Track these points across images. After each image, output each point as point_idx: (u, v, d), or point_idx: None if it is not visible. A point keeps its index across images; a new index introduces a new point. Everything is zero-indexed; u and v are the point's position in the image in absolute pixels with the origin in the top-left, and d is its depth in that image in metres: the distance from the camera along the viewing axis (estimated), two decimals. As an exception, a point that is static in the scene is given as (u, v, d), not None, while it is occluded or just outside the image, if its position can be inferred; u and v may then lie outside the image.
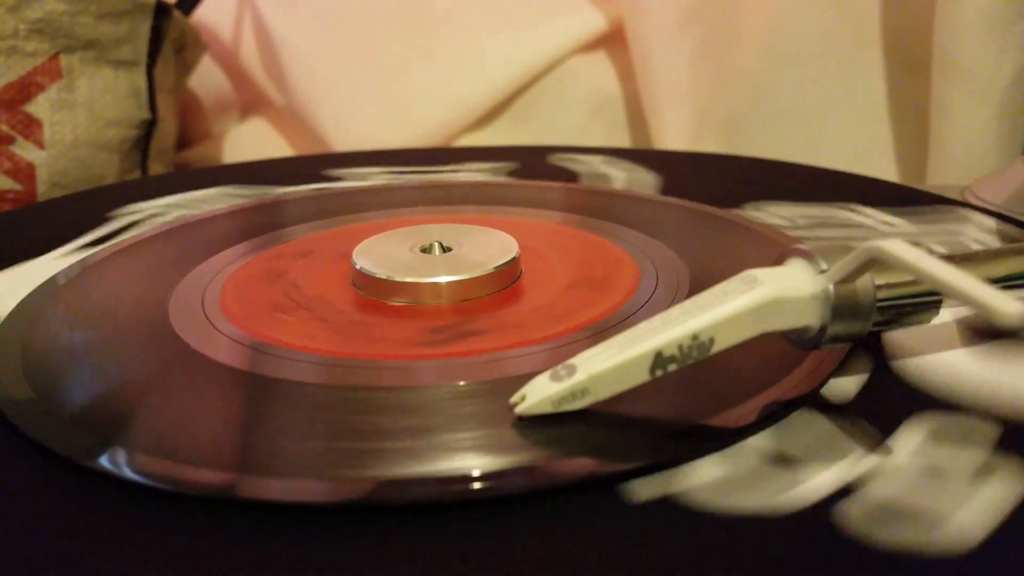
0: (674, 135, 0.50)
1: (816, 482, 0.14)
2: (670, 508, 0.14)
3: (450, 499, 0.14)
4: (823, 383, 0.17)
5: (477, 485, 0.14)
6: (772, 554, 0.13)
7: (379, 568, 0.13)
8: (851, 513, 0.13)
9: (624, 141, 0.54)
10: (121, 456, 0.15)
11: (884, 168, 0.48)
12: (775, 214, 0.29)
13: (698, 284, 0.22)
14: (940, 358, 0.18)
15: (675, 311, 0.15)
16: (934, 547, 0.13)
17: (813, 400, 0.17)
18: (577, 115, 0.53)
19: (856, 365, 0.18)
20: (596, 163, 0.37)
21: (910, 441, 0.15)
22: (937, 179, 0.43)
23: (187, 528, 0.14)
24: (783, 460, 0.15)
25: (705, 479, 0.14)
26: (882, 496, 0.14)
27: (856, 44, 0.47)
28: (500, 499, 0.14)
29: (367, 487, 0.14)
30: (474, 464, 0.15)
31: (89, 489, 0.15)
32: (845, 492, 0.14)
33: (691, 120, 0.50)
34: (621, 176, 0.35)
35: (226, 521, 0.14)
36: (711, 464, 0.15)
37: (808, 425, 0.16)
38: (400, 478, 0.14)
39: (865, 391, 0.17)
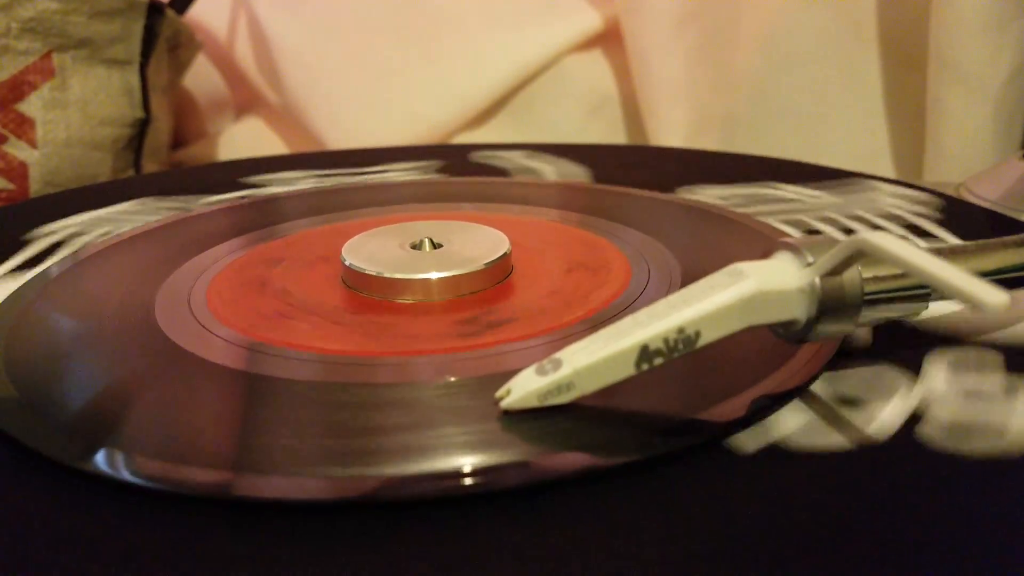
0: (671, 134, 0.50)
1: (888, 414, 0.16)
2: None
3: (447, 495, 0.14)
4: (816, 377, 0.17)
5: (471, 481, 0.14)
6: (874, 485, 0.14)
7: (377, 565, 0.13)
8: (931, 435, 0.15)
9: (621, 139, 0.54)
10: (114, 457, 0.15)
11: (881, 166, 0.48)
12: (711, 195, 0.31)
13: (690, 279, 0.22)
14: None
15: (661, 305, 0.15)
16: (1013, 451, 0.15)
17: (840, 351, 0.18)
18: (574, 113, 0.53)
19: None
20: (518, 158, 0.37)
21: (939, 373, 0.18)
22: (934, 176, 0.43)
23: (182, 529, 0.13)
24: (850, 402, 0.17)
25: (793, 426, 0.16)
26: (946, 417, 0.16)
27: (853, 43, 0.47)
28: (495, 494, 0.14)
29: (362, 485, 0.14)
30: (469, 460, 0.15)
31: (78, 491, 0.14)
32: (917, 418, 0.16)
33: (688, 119, 0.50)
34: (549, 169, 0.36)
35: (222, 521, 0.14)
36: (791, 414, 0.16)
37: (849, 374, 0.18)
38: (397, 476, 0.14)
39: (878, 338, 0.19)
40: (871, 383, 0.17)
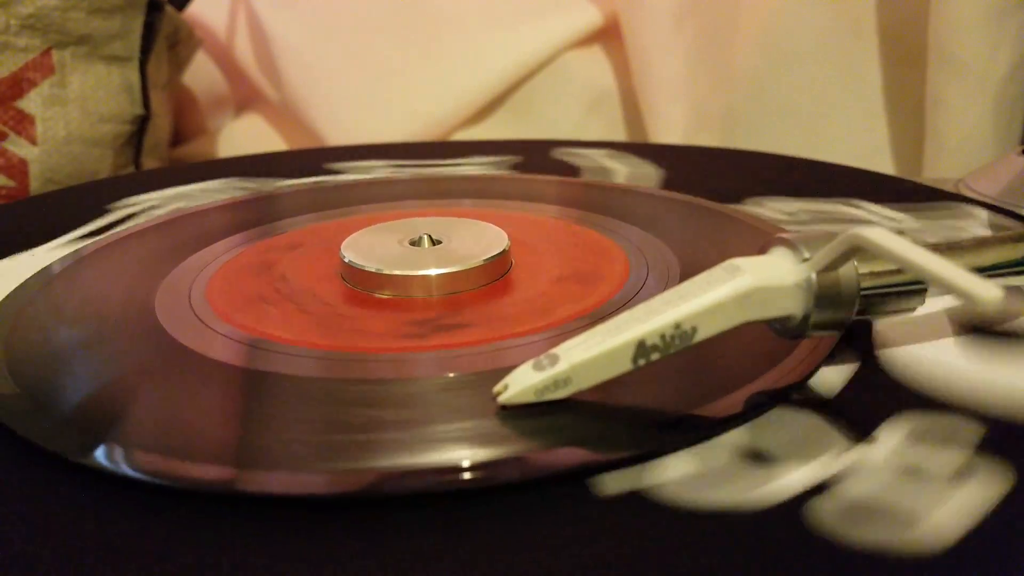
0: (670, 130, 0.50)
1: (790, 479, 0.14)
2: (639, 502, 0.14)
3: (443, 489, 0.14)
4: (811, 374, 0.17)
5: (467, 476, 0.14)
6: (740, 551, 0.12)
7: (375, 559, 0.13)
8: (824, 511, 0.13)
9: (620, 135, 0.54)
10: (116, 452, 0.15)
11: (881, 162, 0.48)
12: (776, 209, 0.29)
13: (688, 275, 0.22)
14: (928, 351, 0.18)
15: (657, 300, 0.15)
16: (906, 547, 0.12)
17: (795, 393, 0.17)
18: (573, 110, 0.53)
19: (844, 356, 0.18)
20: (598, 157, 0.37)
21: (891, 439, 0.15)
22: (933, 172, 0.43)
23: (185, 524, 0.13)
24: (757, 456, 0.15)
25: (677, 474, 0.14)
26: (857, 494, 0.13)
27: (853, 39, 0.47)
28: (490, 489, 0.14)
29: (360, 480, 0.14)
30: (465, 455, 0.15)
31: (81, 487, 0.14)
32: (819, 489, 0.14)
33: (687, 115, 0.50)
34: (623, 170, 0.35)
35: (223, 516, 0.14)
36: (684, 459, 0.15)
37: (788, 421, 0.16)
38: (395, 470, 0.14)
39: (851, 385, 0.17)
40: (802, 438, 0.15)
